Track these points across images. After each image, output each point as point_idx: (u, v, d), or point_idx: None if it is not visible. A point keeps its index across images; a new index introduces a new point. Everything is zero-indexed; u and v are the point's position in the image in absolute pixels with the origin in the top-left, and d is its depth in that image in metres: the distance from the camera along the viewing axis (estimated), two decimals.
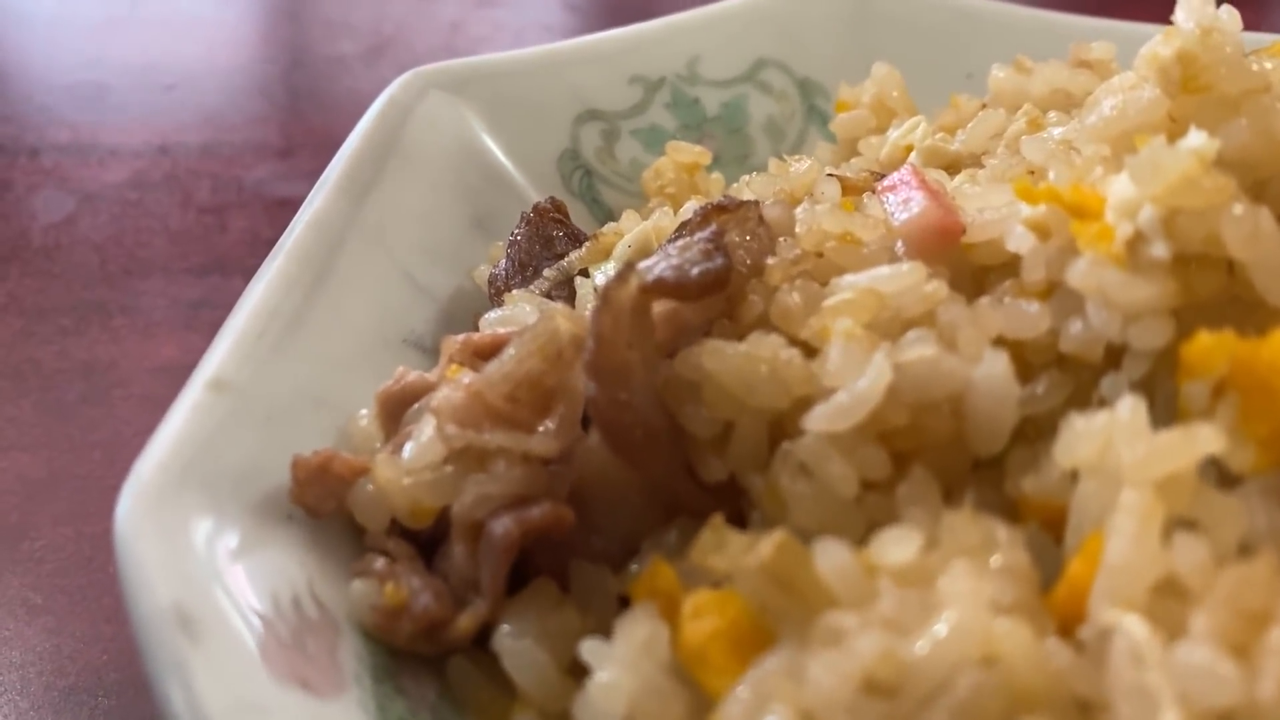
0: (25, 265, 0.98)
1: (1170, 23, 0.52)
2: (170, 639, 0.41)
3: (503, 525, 0.47)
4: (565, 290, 0.62)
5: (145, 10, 1.38)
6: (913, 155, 0.71)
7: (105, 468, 0.81)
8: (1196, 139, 0.44)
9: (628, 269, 0.49)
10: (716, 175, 0.79)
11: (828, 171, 0.61)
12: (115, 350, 0.91)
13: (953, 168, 0.70)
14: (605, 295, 0.48)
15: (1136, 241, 0.44)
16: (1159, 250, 0.43)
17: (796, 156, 0.65)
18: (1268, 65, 0.51)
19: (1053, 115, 0.68)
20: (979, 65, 0.91)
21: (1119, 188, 0.45)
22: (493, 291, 0.64)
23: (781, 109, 0.88)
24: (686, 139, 0.84)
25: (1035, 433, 0.46)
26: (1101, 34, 0.93)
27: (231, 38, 1.35)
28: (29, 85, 1.21)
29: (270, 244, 1.02)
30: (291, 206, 1.08)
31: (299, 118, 1.22)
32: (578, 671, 0.46)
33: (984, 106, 0.77)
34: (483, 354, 0.55)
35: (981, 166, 0.67)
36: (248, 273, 0.99)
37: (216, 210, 1.07)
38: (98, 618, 0.72)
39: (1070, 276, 0.45)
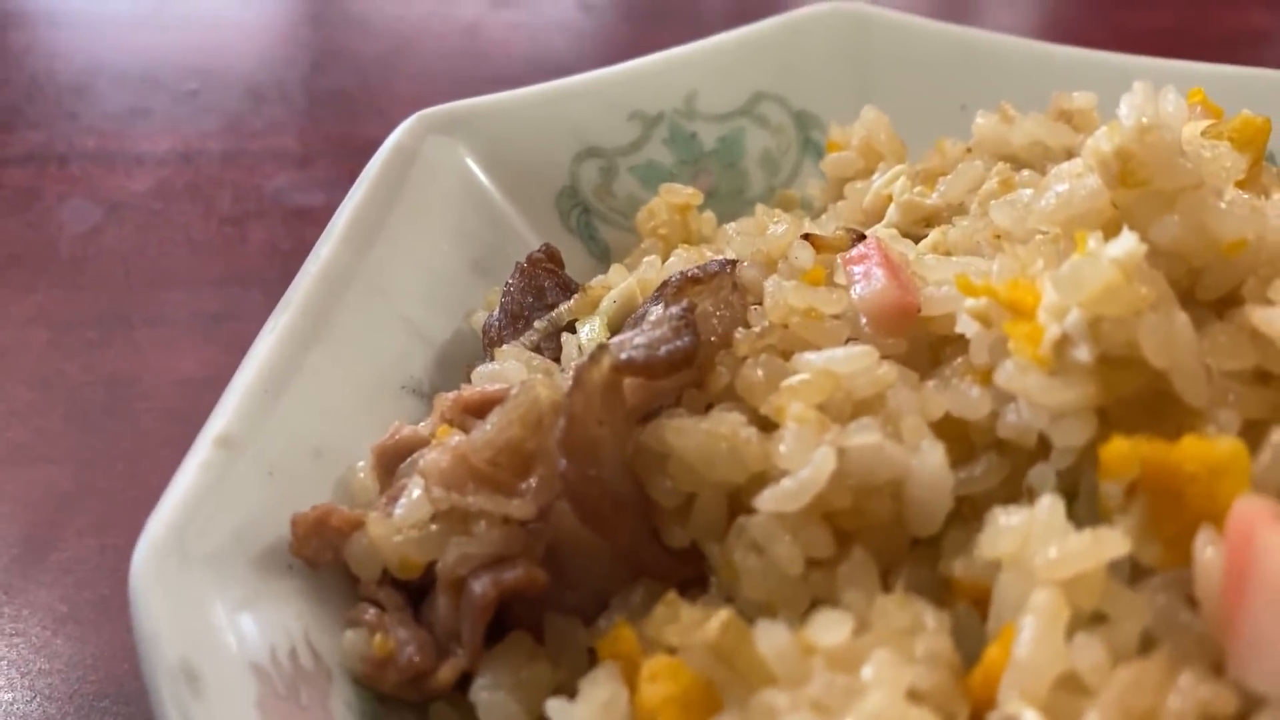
0: (54, 277, 1.02)
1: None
2: (178, 695, 0.45)
3: (481, 585, 0.51)
4: (554, 342, 0.66)
5: (169, 12, 1.42)
6: (891, 208, 0.74)
7: (128, 481, 0.86)
8: (1121, 246, 0.47)
9: (600, 350, 0.53)
10: (708, 214, 0.82)
11: (804, 233, 0.64)
12: (138, 363, 0.96)
13: (931, 221, 0.73)
14: (578, 376, 0.52)
15: (1063, 343, 0.47)
16: (1082, 353, 0.47)
17: (776, 217, 0.68)
18: (1207, 154, 0.54)
19: (1025, 174, 0.71)
20: (974, 97, 0.94)
21: (1051, 290, 0.48)
22: (486, 341, 0.68)
23: (778, 142, 0.91)
24: (683, 174, 0.87)
25: (972, 512, 0.50)
26: (1094, 67, 0.96)
27: (252, 40, 1.39)
28: (57, 90, 1.25)
29: (287, 256, 1.08)
30: (308, 217, 1.13)
31: (317, 124, 1.26)
32: None
33: (968, 150, 0.80)
34: (472, 410, 0.59)
35: (954, 220, 0.70)
36: (266, 284, 1.05)
37: (237, 221, 1.11)
38: (120, 627, 0.77)
39: (999, 378, 0.48)
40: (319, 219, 1.11)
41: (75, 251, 1.06)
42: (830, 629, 0.44)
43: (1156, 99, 0.54)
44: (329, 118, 1.27)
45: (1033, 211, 0.56)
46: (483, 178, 0.78)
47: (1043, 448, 0.49)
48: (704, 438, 0.51)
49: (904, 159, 0.83)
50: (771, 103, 0.92)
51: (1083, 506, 0.47)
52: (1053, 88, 0.86)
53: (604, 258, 0.82)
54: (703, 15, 1.60)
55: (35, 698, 0.72)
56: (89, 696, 0.73)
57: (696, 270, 0.59)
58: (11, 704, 0.72)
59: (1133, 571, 0.45)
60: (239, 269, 1.06)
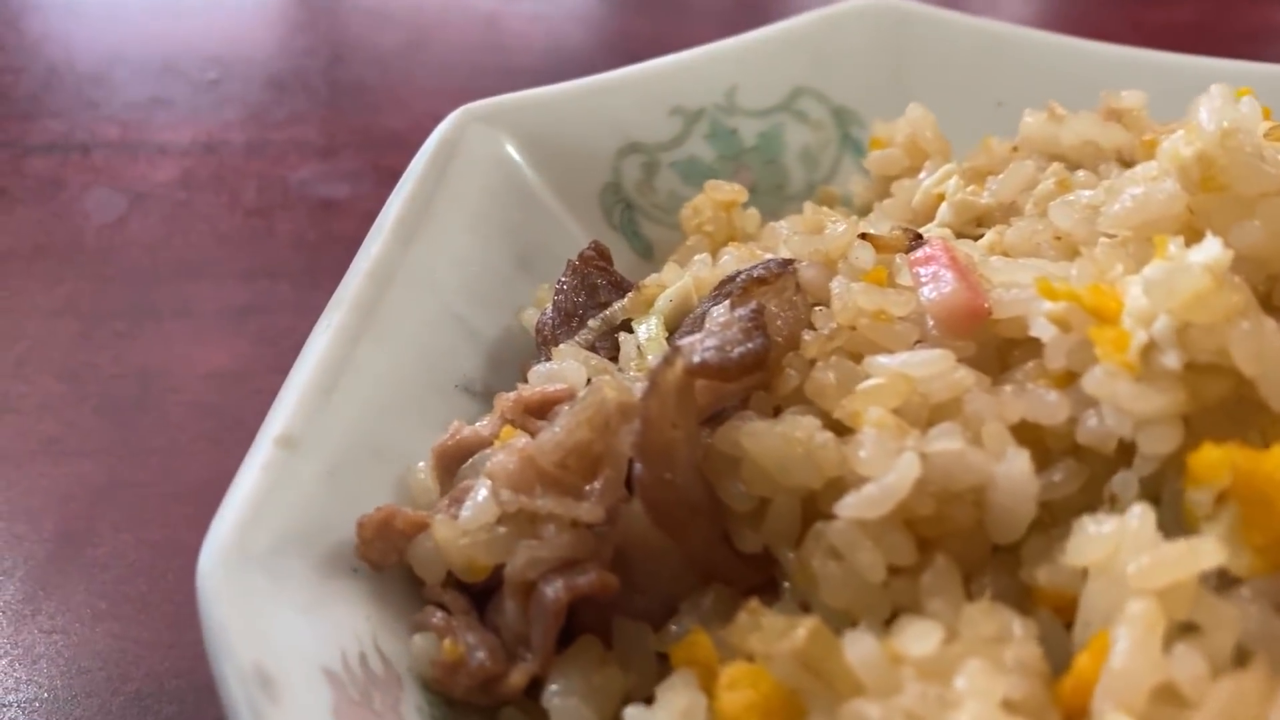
0: (81, 268, 1.01)
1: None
2: (253, 700, 0.45)
3: (553, 590, 0.51)
4: (608, 341, 0.66)
5: (185, 0, 1.40)
6: (943, 207, 0.73)
7: (162, 475, 0.85)
8: (1207, 251, 0.47)
9: (674, 352, 0.52)
10: (752, 210, 0.82)
11: (860, 233, 0.63)
12: (168, 355, 0.95)
13: (983, 221, 0.73)
14: (654, 380, 0.51)
15: (1150, 349, 0.47)
16: (1171, 360, 0.46)
17: (833, 216, 0.68)
18: None
19: (1080, 174, 0.70)
20: (1010, 93, 0.94)
21: (1135, 295, 0.48)
22: (540, 340, 0.67)
23: (817, 138, 0.91)
24: (724, 170, 0.86)
25: (1050, 519, 0.49)
26: (1129, 64, 0.95)
27: (269, 29, 1.38)
28: (77, 80, 1.23)
29: (315, 248, 1.08)
30: (334, 208, 1.13)
31: (339, 115, 1.25)
32: None
33: (1014, 149, 0.80)
34: (533, 411, 0.59)
35: (1009, 219, 0.70)
36: (293, 277, 1.05)
37: (263, 212, 1.10)
38: (159, 624, 0.76)
39: (1086, 384, 0.48)
40: (344, 211, 1.12)
41: (102, 242, 1.05)
42: (920, 638, 0.44)
43: (1233, 107, 0.54)
44: (350, 109, 1.26)
45: (1103, 215, 0.55)
46: (528, 173, 0.78)
47: (1122, 454, 0.49)
48: (779, 442, 0.50)
49: (949, 157, 0.82)
50: (810, 98, 0.91)
51: (1167, 513, 0.47)
52: (1089, 85, 0.86)
53: (647, 254, 0.82)
54: (721, 9, 1.59)
55: (75, 695, 0.72)
56: (131, 695, 0.72)
57: (761, 270, 0.58)
58: (52, 702, 0.71)
59: (1219, 580, 0.45)
60: (266, 261, 1.06)
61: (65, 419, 0.88)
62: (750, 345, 0.53)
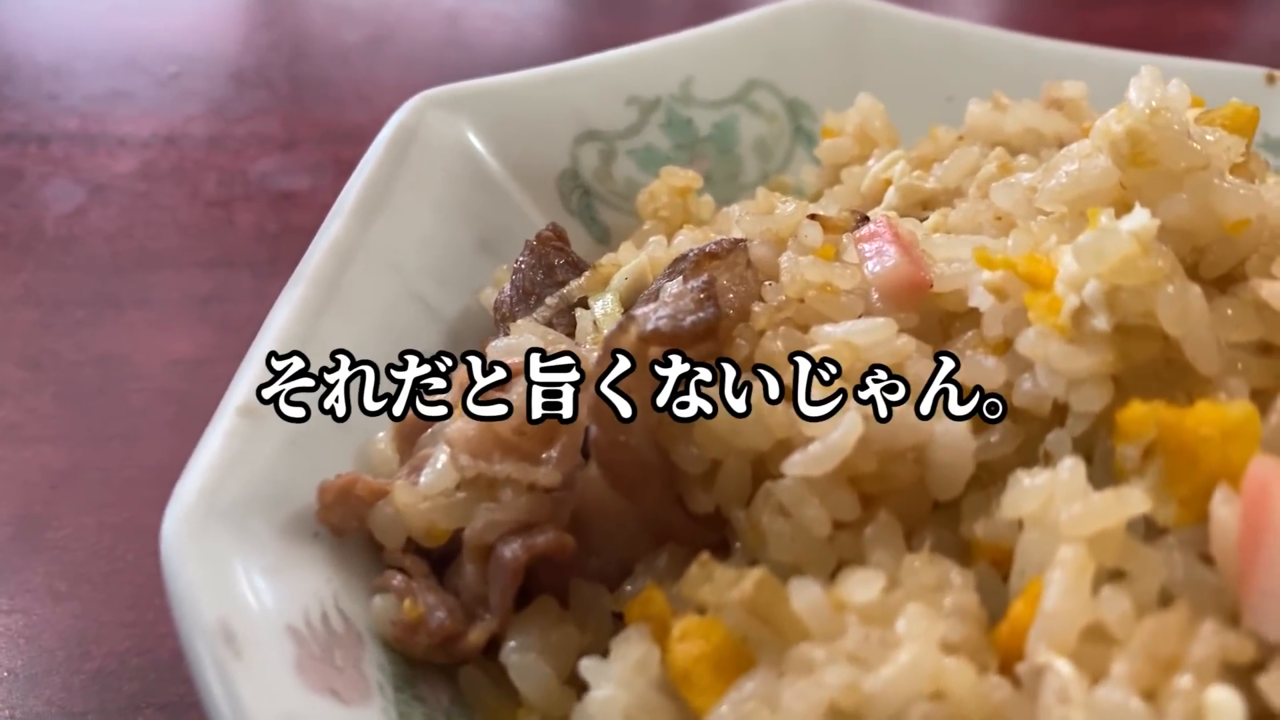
0: (40, 257, 1.02)
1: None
2: (217, 654, 0.46)
3: (511, 550, 0.52)
4: (566, 318, 0.67)
5: None
6: (890, 191, 0.75)
7: (124, 460, 0.86)
8: (1135, 220, 0.49)
9: (628, 319, 0.54)
10: (707, 198, 0.84)
11: (808, 213, 0.65)
12: (129, 343, 0.96)
13: (928, 204, 0.75)
14: (607, 345, 0.53)
15: (1081, 312, 0.49)
16: (1101, 322, 0.49)
17: (783, 198, 0.70)
18: (1209, 138, 0.56)
19: (1022, 159, 0.73)
20: (960, 88, 0.96)
21: (1067, 262, 0.50)
22: (498, 317, 0.68)
23: (770, 129, 0.93)
24: (679, 159, 0.88)
25: (989, 477, 0.51)
26: (1077, 61, 0.98)
27: (232, 24, 1.39)
28: (36, 71, 1.23)
29: (275, 239, 1.08)
30: (295, 200, 1.13)
31: (301, 109, 1.26)
32: (576, 682, 0.51)
33: (960, 139, 0.82)
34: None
35: (954, 203, 0.72)
36: (254, 266, 1.05)
37: (224, 203, 1.11)
38: (120, 605, 0.77)
39: (1020, 345, 0.50)
40: (305, 203, 1.13)
41: (61, 231, 1.05)
42: (862, 586, 0.46)
43: (1161, 86, 0.56)
44: (312, 103, 1.27)
45: (1039, 191, 0.57)
46: (487, 158, 0.79)
47: (1056, 415, 0.51)
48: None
49: (897, 145, 0.85)
50: (764, 90, 0.94)
51: (1098, 470, 0.49)
52: (1037, 80, 0.88)
53: (604, 240, 0.84)
54: (682, 9, 1.61)
55: (37, 674, 0.72)
56: (92, 674, 0.73)
57: (713, 246, 0.60)
58: (13, 681, 0.72)
59: (1146, 530, 0.47)
60: (227, 251, 1.06)
61: (25, 405, 0.89)
62: (702, 314, 0.55)
